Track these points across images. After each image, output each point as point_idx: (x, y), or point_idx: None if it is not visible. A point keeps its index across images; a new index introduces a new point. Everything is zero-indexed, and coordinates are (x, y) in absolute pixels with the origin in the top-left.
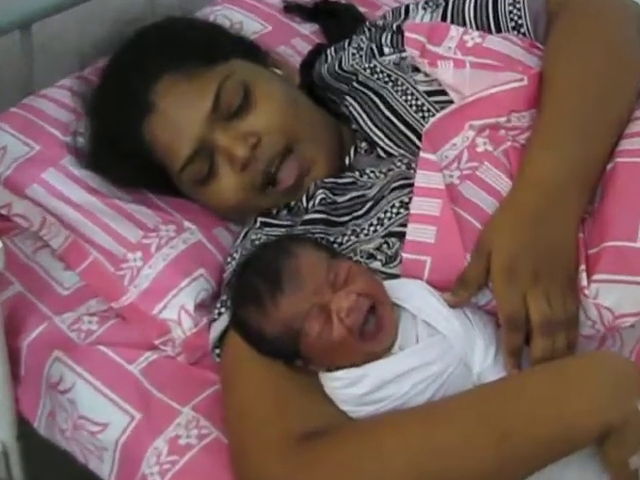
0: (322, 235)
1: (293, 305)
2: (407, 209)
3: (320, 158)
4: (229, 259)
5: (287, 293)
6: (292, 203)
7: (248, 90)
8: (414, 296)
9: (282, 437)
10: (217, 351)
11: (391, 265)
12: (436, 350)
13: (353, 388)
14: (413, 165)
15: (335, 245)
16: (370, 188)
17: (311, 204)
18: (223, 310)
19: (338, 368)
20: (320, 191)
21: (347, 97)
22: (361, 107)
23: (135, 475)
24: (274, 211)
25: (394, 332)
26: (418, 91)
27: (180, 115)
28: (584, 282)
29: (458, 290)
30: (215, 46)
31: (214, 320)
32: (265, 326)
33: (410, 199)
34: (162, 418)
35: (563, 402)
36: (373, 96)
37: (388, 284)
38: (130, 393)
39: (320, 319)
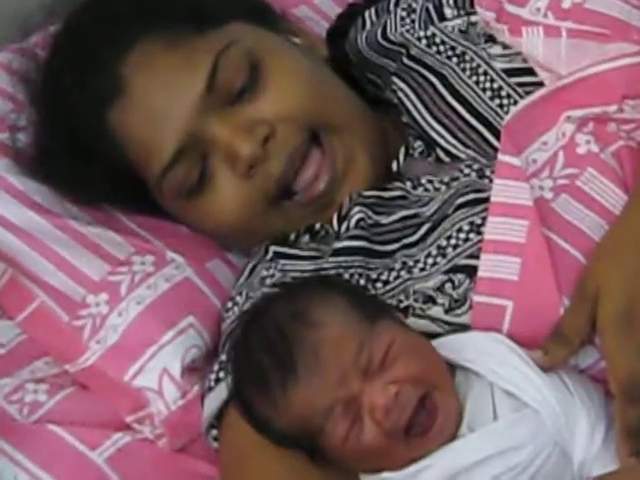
0: (361, 271)
1: (309, 399)
2: (480, 234)
3: (363, 156)
4: (230, 304)
5: (302, 381)
6: (317, 226)
7: (256, 64)
8: (490, 356)
9: None
10: (214, 432)
11: (457, 312)
12: (523, 431)
13: None
14: (487, 172)
15: (379, 284)
16: (427, 205)
17: (345, 227)
18: (222, 375)
19: (380, 470)
20: (357, 209)
21: (394, 78)
22: (414, 92)
23: None
24: (292, 236)
25: (454, 424)
26: (494, 69)
27: (160, 98)
28: None
29: (553, 347)
30: (209, 4)
31: (209, 389)
32: (273, 418)
33: (484, 220)
34: None
35: None
36: (431, 77)
37: (453, 339)
38: None
39: (347, 419)
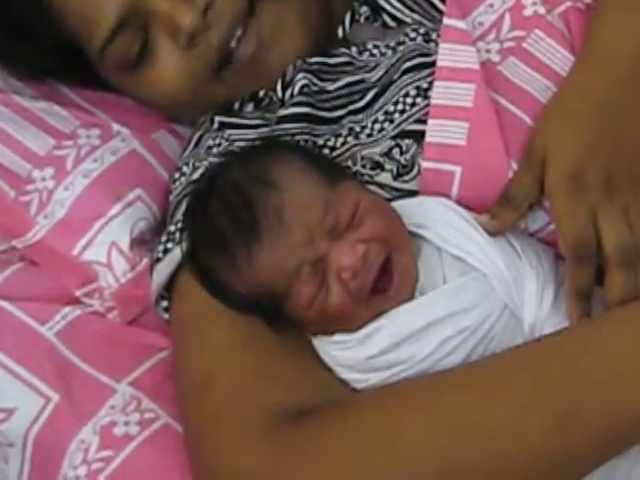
0: (307, 137)
1: (275, 261)
2: (427, 98)
3: (293, 21)
4: (177, 175)
5: (267, 243)
6: (261, 93)
7: None
8: (439, 221)
9: (260, 416)
10: (164, 304)
11: (405, 178)
12: (471, 293)
13: (357, 350)
14: (434, 36)
15: (326, 151)
16: (373, 70)
17: (289, 94)
18: (170, 246)
19: (336, 331)
20: (301, 75)
21: None
22: None
23: (54, 479)
24: (236, 105)
25: (412, 283)
26: None
27: None
28: None
29: (501, 210)
30: None
31: (158, 260)
32: (236, 284)
33: (430, 84)
34: (89, 399)
35: None
36: None
37: (401, 205)
38: (43, 366)
39: (313, 281)
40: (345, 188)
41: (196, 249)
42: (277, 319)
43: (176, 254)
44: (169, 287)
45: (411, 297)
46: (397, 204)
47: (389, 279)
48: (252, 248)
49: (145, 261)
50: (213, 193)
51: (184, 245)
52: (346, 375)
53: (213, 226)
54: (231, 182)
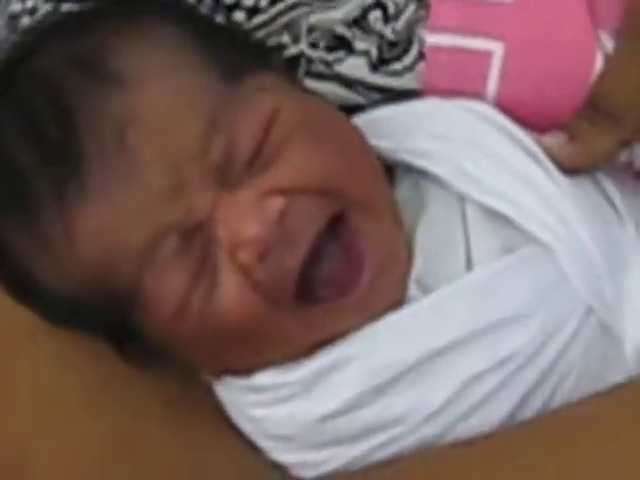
0: None
1: (113, 228)
2: None
3: None
4: None
5: (96, 195)
6: None
7: None
8: (462, 145)
9: None
10: None
11: (395, 66)
12: (524, 289)
13: (302, 402)
14: None
15: (240, 15)
16: None
17: None
18: None
19: (252, 367)
20: None
21: None
22: None
23: None
24: None
25: (399, 273)
26: None
27: None
28: None
29: (588, 127)
30: None
31: None
32: (46, 271)
33: None
34: None
35: None
36: None
37: (390, 114)
38: None
39: (185, 264)
40: (254, 90)
41: None
42: (132, 345)
43: None
44: None
45: (399, 298)
46: (382, 113)
47: (349, 266)
48: (69, 199)
49: None
50: (3, 95)
51: None
52: (282, 454)
53: (5, 165)
54: (38, 73)
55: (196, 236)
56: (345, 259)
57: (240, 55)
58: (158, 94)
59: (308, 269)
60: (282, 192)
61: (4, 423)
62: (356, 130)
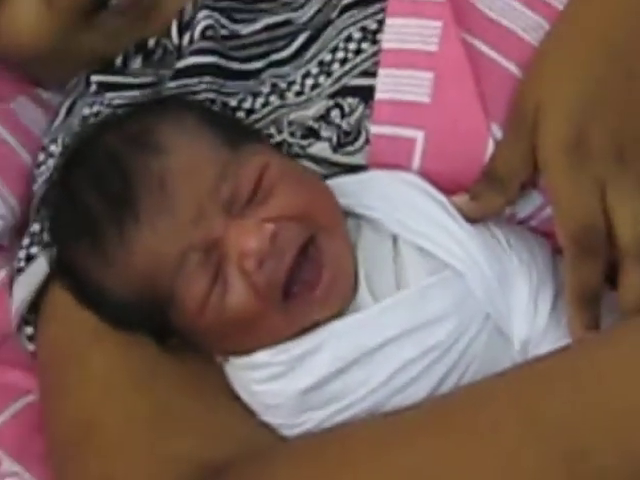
0: (213, 96)
1: (155, 245)
2: (376, 43)
3: None
4: (42, 157)
5: (144, 222)
6: (151, 42)
7: None
8: (395, 201)
9: (160, 475)
10: (28, 330)
11: (349, 149)
12: (441, 300)
13: (287, 380)
14: None
15: (240, 114)
16: (302, 7)
17: (187, 39)
18: (34, 250)
19: (251, 350)
20: (204, 13)
21: None
22: None
23: None
24: (119, 60)
25: (349, 281)
26: None
27: None
28: None
29: (483, 191)
30: None
31: (20, 271)
32: (108, 282)
33: (380, 24)
34: None
35: None
36: None
37: (343, 182)
38: None
39: (205, 272)
40: (251, 151)
41: (58, 239)
42: (170, 336)
43: (43, 262)
44: (35, 308)
45: (349, 301)
46: (339, 181)
47: (315, 272)
48: (126, 229)
49: (2, 274)
50: (79, 163)
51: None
52: (272, 418)
53: (77, 203)
54: (100, 146)
55: (213, 252)
56: (311, 266)
57: (239, 133)
58: (185, 156)
59: (289, 275)
60: (273, 220)
61: (78, 396)
62: (321, 179)
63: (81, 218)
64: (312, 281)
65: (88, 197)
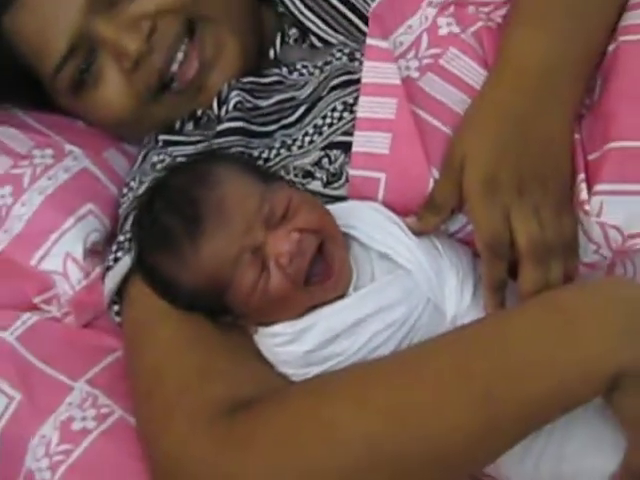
0: (242, 149)
1: (218, 250)
2: (352, 112)
3: (232, 43)
4: (125, 190)
5: (209, 234)
6: (199, 112)
7: None
8: (367, 222)
9: (207, 408)
10: (116, 308)
11: (335, 185)
12: (398, 290)
13: (295, 345)
14: (358, 55)
15: (260, 162)
16: (302, 88)
17: (224, 110)
18: (120, 254)
19: (275, 322)
20: (235, 92)
21: None
22: None
23: (18, 472)
24: (177, 125)
25: (349, 274)
26: None
27: (50, 3)
28: (584, 195)
29: (425, 214)
30: None
31: (109, 268)
32: (182, 277)
33: (356, 100)
34: (49, 397)
35: (561, 347)
36: None
37: (332, 209)
38: (5, 367)
39: (254, 267)
40: (278, 186)
41: (143, 249)
42: (221, 314)
43: (126, 262)
44: (120, 292)
45: (347, 291)
46: (329, 207)
47: (329, 267)
48: (196, 239)
49: (98, 270)
50: (158, 196)
51: (133, 252)
52: (286, 370)
53: (158, 224)
54: (174, 184)
55: (258, 253)
56: (324, 264)
57: (266, 174)
58: (234, 188)
59: (309, 267)
60: (298, 231)
61: (150, 354)
62: (324, 206)
63: (162, 233)
64: (326, 272)
65: (168, 218)
